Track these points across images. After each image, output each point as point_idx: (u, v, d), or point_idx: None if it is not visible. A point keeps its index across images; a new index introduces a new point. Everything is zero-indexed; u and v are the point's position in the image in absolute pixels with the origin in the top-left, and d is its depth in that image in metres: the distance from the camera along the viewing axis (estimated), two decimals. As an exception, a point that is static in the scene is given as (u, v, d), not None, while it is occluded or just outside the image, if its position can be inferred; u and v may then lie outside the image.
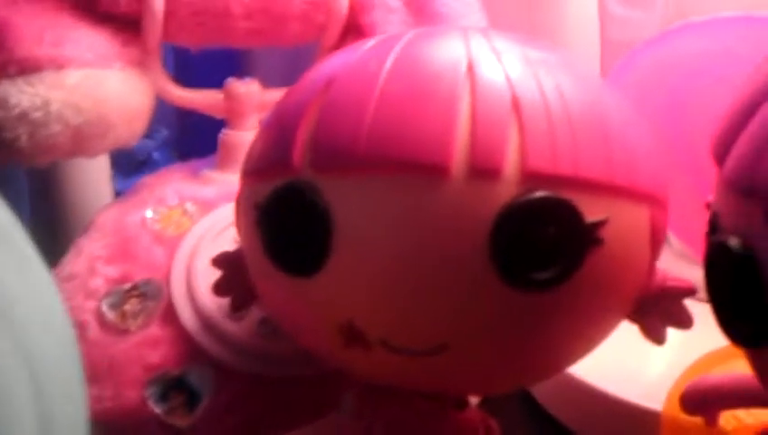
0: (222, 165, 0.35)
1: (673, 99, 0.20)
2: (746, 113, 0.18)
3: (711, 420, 0.26)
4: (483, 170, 0.19)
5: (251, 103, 0.35)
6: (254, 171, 0.23)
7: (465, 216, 0.20)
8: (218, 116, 0.36)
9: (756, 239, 0.17)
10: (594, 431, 0.36)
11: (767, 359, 0.18)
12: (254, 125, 0.35)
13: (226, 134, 0.35)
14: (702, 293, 0.22)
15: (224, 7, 0.34)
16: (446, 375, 0.22)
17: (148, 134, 0.52)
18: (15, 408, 0.15)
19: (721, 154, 0.18)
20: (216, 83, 0.36)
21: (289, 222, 0.21)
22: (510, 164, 0.19)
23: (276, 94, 0.34)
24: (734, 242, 0.17)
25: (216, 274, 0.28)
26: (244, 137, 0.35)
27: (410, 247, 0.20)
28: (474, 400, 0.27)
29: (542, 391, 0.40)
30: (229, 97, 0.35)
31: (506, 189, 0.19)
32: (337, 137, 0.20)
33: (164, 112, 0.42)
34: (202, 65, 0.38)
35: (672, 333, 0.40)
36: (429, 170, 0.19)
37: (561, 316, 0.21)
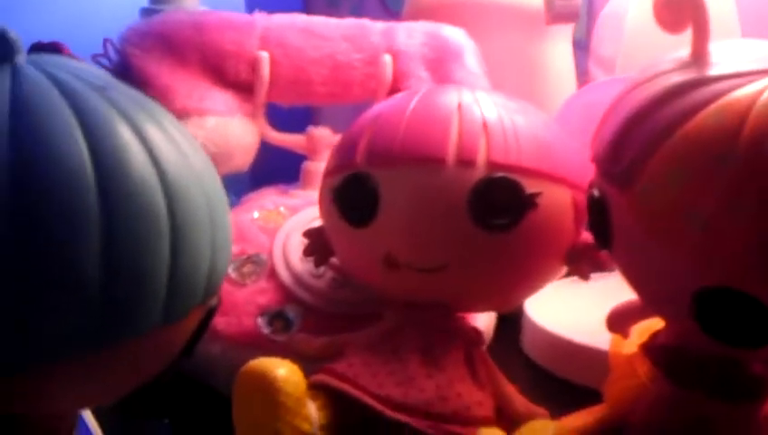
0: (304, 185, 0.50)
1: (590, 122, 0.34)
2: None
3: (625, 335, 0.38)
4: (464, 161, 0.33)
5: (323, 143, 0.50)
6: (333, 169, 0.37)
7: (454, 188, 0.33)
8: (301, 152, 0.51)
9: (603, 188, 0.31)
10: (571, 375, 0.46)
11: (615, 260, 0.32)
12: (324, 158, 0.50)
13: (307, 164, 0.50)
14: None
15: (307, 78, 0.49)
16: (447, 288, 0.35)
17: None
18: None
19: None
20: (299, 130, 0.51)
21: (353, 196, 0.35)
22: (480, 158, 0.33)
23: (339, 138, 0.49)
24: (594, 192, 0.31)
25: (301, 247, 0.43)
26: (318, 166, 0.49)
27: (424, 207, 0.34)
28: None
29: (533, 349, 0.51)
30: (310, 139, 0.50)
31: (478, 172, 0.33)
32: (382, 145, 0.35)
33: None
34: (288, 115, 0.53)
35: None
36: (435, 162, 0.33)
37: (512, 252, 0.34)
